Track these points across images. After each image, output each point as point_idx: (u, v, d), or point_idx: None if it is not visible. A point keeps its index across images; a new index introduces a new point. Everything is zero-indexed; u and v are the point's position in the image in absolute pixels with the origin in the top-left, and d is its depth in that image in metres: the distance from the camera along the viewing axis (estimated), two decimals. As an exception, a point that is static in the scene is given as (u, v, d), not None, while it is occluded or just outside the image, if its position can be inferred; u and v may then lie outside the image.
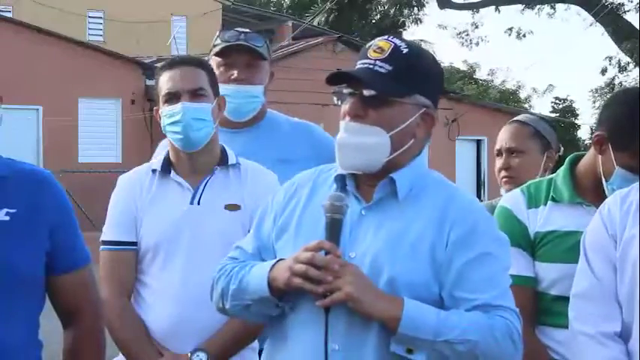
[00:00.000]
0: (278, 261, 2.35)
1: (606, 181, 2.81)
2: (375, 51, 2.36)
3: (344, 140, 2.35)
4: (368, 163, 2.34)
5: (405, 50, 2.35)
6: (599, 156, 2.83)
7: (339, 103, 2.40)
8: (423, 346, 2.22)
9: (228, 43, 3.55)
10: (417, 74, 2.36)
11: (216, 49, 3.58)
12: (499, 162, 3.66)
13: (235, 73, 3.52)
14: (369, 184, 2.38)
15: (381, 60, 2.34)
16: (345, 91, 2.37)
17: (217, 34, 3.66)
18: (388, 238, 2.31)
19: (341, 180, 2.40)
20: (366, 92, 2.32)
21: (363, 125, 2.33)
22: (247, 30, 3.62)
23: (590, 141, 2.86)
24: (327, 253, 2.25)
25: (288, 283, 2.27)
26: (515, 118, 3.81)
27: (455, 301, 2.28)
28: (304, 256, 2.26)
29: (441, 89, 2.48)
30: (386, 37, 2.40)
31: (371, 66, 2.34)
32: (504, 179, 3.63)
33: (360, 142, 2.32)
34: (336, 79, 2.39)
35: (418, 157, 2.42)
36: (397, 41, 2.37)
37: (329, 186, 2.42)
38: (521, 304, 2.81)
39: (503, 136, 3.66)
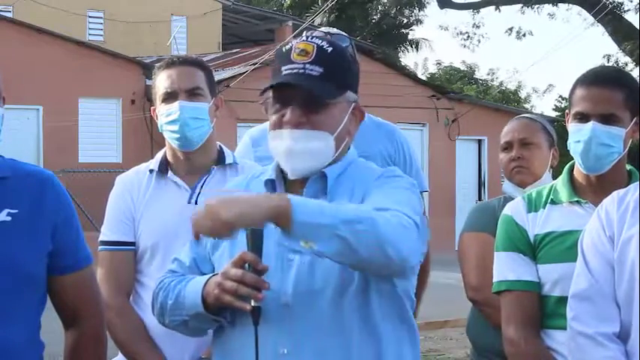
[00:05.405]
0: (213, 276, 2.30)
1: None
2: (299, 54, 2.32)
3: (292, 148, 2.31)
4: (317, 166, 2.34)
5: (330, 49, 2.34)
6: None
7: (266, 112, 2.37)
8: (322, 234, 2.05)
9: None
10: (343, 72, 2.37)
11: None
12: (507, 155, 3.60)
13: None
14: (298, 183, 2.37)
15: (310, 63, 2.31)
16: (280, 105, 2.32)
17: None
18: None
19: (271, 184, 2.39)
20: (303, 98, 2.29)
21: (308, 131, 2.31)
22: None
23: None
24: (250, 265, 2.18)
25: (219, 300, 2.23)
26: (519, 116, 3.79)
27: None
28: (234, 273, 2.19)
29: (358, 80, 2.46)
30: (304, 38, 2.37)
31: (301, 70, 2.31)
32: (516, 169, 3.57)
33: (309, 147, 2.31)
34: (270, 89, 2.35)
35: (349, 151, 2.43)
36: (318, 41, 2.35)
37: (260, 191, 2.39)
38: (524, 308, 2.81)
39: (513, 128, 3.62)
